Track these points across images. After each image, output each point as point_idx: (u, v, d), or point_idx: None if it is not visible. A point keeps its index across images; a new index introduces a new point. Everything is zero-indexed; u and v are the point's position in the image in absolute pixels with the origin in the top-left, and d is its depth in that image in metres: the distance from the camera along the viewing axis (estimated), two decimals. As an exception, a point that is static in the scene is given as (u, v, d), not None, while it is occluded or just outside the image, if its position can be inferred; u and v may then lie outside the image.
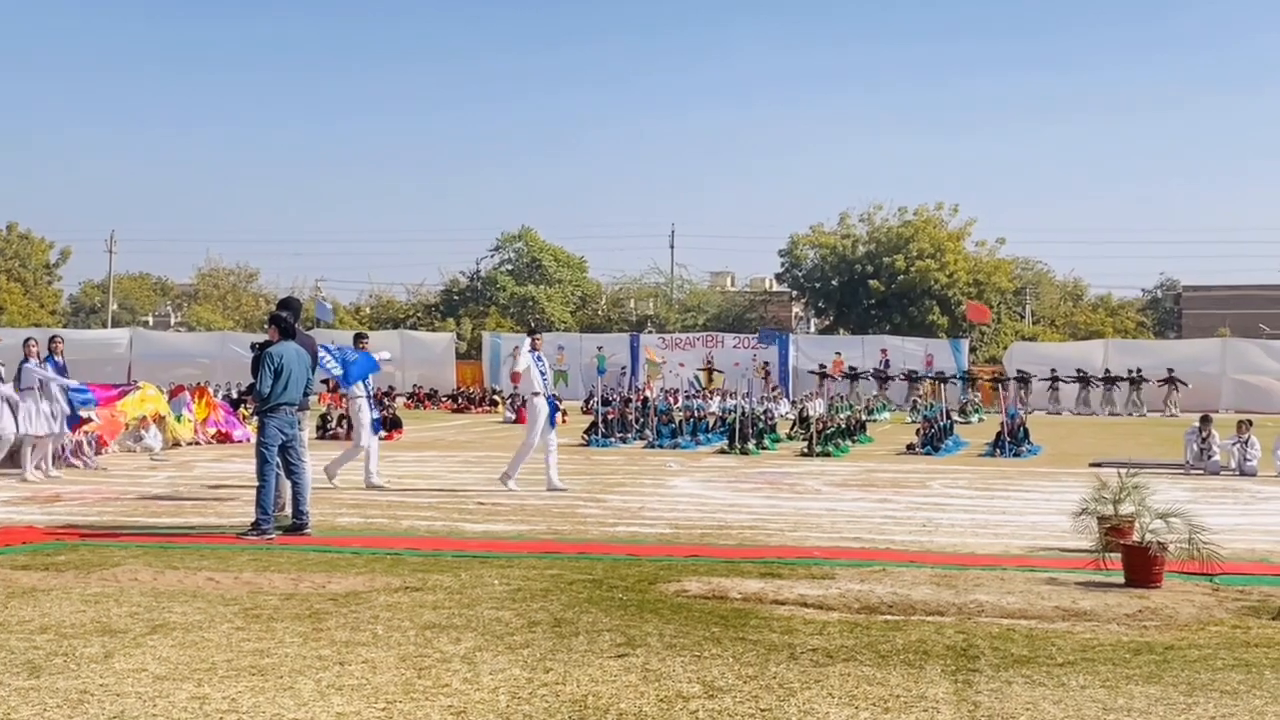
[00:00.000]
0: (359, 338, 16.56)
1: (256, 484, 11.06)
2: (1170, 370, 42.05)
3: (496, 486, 14.86)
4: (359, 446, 15.37)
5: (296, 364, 11.29)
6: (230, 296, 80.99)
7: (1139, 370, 42.00)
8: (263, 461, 11.03)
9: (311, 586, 8.36)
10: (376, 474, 15.29)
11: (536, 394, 15.01)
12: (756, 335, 49.68)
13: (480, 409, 41.22)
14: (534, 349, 15.21)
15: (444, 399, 43.53)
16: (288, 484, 11.39)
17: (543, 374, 15.11)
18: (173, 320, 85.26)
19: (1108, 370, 42.88)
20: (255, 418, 11.53)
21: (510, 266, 73.47)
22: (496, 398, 42.26)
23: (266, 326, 11.83)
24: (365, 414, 15.41)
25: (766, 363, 46.24)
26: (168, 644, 6.60)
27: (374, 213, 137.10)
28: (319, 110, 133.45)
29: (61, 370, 16.55)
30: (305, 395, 11.59)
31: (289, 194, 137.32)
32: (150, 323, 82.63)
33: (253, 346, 11.83)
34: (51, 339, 17.16)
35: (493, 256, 74.49)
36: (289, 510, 11.33)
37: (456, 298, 73.62)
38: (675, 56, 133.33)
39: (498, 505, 13.43)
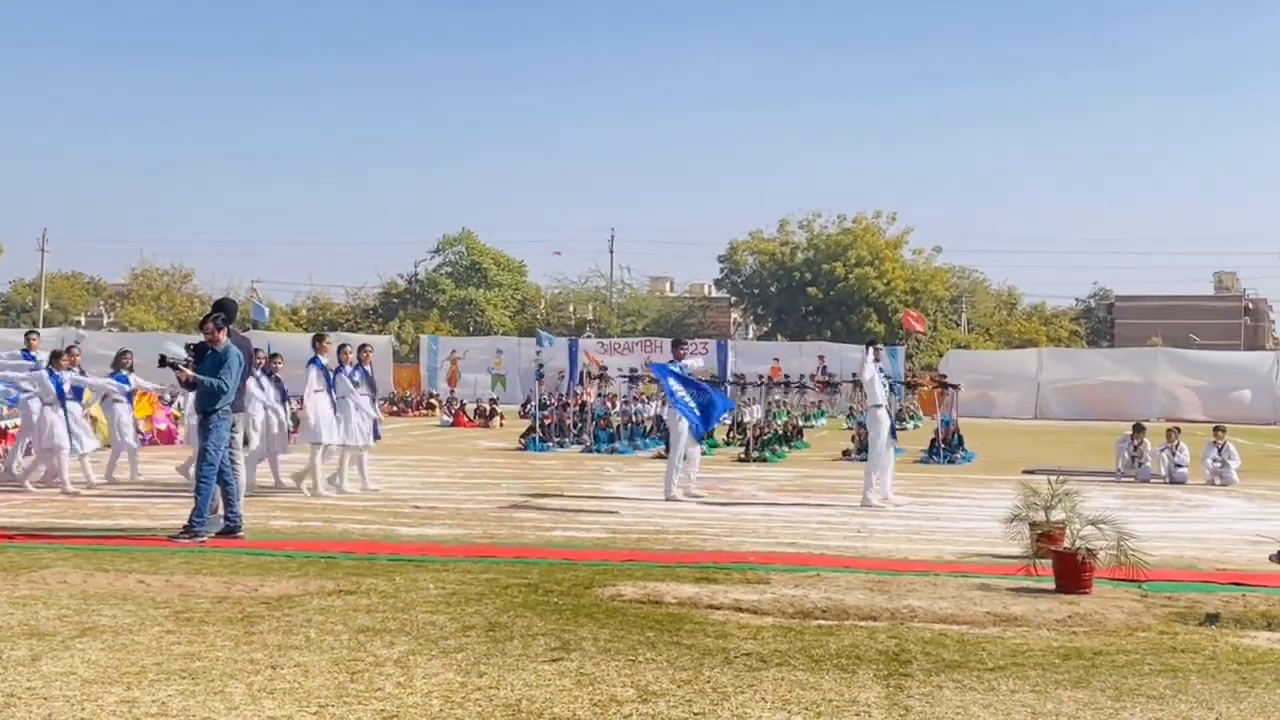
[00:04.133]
0: (677, 344, 16.22)
1: (195, 485, 10.93)
2: (943, 376, 43.08)
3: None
4: (685, 459, 15.02)
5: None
6: (164, 297, 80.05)
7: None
8: (208, 464, 10.88)
9: (244, 590, 8.28)
10: (695, 481, 15.13)
11: (879, 405, 14.64)
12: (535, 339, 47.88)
13: (417, 412, 41.04)
14: (876, 359, 15.01)
15: (381, 402, 43.16)
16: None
17: (885, 385, 14.97)
18: (105, 320, 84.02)
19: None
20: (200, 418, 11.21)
21: (450, 269, 73.34)
22: (434, 401, 42.09)
23: (205, 326, 11.43)
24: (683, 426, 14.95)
25: (714, 374, 46.29)
26: (97, 647, 6.52)
27: (312, 214, 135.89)
28: (254, 109, 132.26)
29: (369, 380, 15.41)
30: (240, 398, 11.57)
31: (225, 194, 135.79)
32: (83, 323, 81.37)
33: (188, 348, 11.68)
34: (361, 347, 16.24)
35: (432, 259, 74.36)
36: (220, 512, 11.21)
37: (395, 300, 73.33)
38: (619, 62, 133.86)
39: (433, 509, 13.38)
